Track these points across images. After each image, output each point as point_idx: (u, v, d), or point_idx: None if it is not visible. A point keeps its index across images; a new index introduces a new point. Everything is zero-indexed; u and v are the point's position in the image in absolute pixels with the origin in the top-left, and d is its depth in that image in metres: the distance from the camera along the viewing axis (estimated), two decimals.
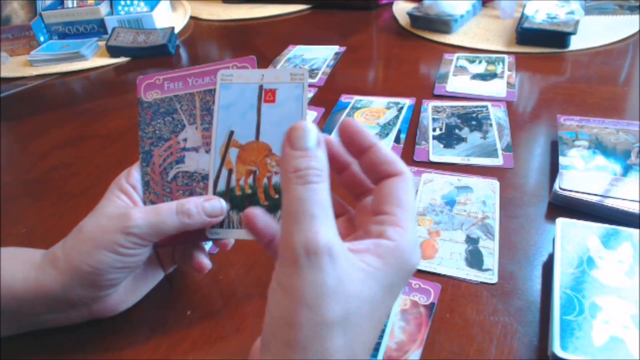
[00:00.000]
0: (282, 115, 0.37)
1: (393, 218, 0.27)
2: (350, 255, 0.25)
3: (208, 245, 0.45)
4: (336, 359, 0.24)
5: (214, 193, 0.37)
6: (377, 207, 0.28)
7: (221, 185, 0.37)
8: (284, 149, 0.26)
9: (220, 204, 0.36)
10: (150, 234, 0.35)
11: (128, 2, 1.07)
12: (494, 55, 0.84)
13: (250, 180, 0.37)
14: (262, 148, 0.37)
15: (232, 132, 0.38)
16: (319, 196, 0.25)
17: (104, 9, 1.06)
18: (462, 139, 0.62)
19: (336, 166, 0.32)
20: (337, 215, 0.27)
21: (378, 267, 0.25)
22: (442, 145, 0.61)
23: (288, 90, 0.37)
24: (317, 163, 0.25)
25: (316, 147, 0.26)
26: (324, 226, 0.24)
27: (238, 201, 0.37)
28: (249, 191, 0.37)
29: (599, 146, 0.54)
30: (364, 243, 0.26)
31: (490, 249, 0.45)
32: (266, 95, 0.37)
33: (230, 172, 0.37)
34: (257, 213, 0.29)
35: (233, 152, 0.37)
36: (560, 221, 0.44)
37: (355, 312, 0.24)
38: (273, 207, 0.36)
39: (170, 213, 0.35)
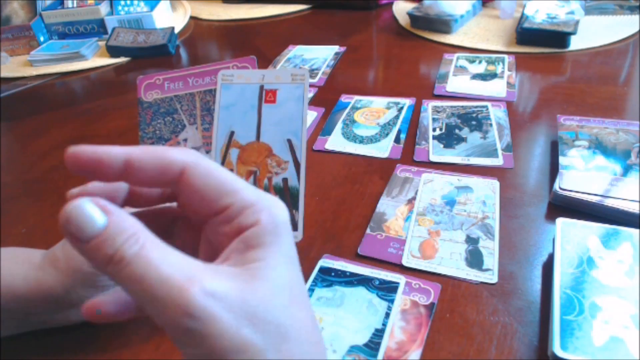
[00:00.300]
0: (282, 116, 0.37)
1: (233, 207, 0.22)
2: (231, 270, 0.21)
3: None
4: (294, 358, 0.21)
5: None
6: (205, 208, 0.23)
7: None
8: (77, 249, 0.20)
9: None
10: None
11: (128, 2, 1.07)
12: (494, 55, 0.84)
13: (250, 181, 0.37)
14: (262, 149, 0.37)
15: (232, 133, 0.38)
16: (154, 254, 0.20)
17: (104, 9, 1.06)
18: (462, 139, 0.62)
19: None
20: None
21: (264, 256, 0.22)
22: (442, 145, 0.61)
23: (289, 90, 0.37)
24: (121, 232, 0.20)
25: (106, 219, 0.20)
26: (183, 280, 0.19)
27: None
28: None
29: (599, 146, 0.54)
30: (232, 249, 0.22)
31: (490, 249, 0.45)
32: (267, 95, 0.37)
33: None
34: (104, 301, 0.24)
35: (233, 153, 0.37)
36: (560, 221, 0.44)
37: (280, 315, 0.21)
38: None
39: None
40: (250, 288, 0.21)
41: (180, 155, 0.22)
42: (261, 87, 0.37)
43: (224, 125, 0.38)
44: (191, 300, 0.19)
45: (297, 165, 0.36)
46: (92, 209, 0.20)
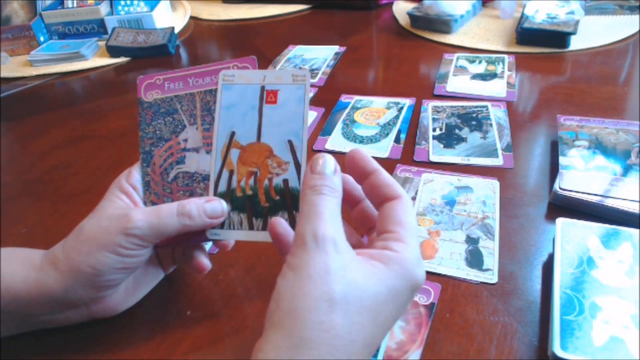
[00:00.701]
0: (283, 117, 0.36)
1: (395, 235, 0.29)
2: (355, 254, 0.28)
3: (208, 246, 0.45)
4: (333, 334, 0.24)
5: (215, 194, 0.37)
6: (381, 227, 0.30)
7: (222, 186, 0.37)
8: (305, 173, 0.31)
9: (221, 206, 0.36)
10: (151, 236, 0.35)
11: (128, 2, 1.07)
12: (494, 55, 0.84)
13: (251, 181, 0.37)
14: (263, 149, 0.37)
15: (233, 133, 0.38)
16: (329, 203, 0.28)
17: (104, 9, 1.06)
18: (462, 139, 0.62)
19: (350, 201, 0.36)
20: (352, 246, 0.30)
21: (382, 270, 0.27)
22: (442, 145, 0.61)
23: (290, 91, 0.37)
24: (331, 183, 0.30)
25: (332, 174, 0.30)
26: (330, 223, 0.27)
27: (239, 202, 0.37)
28: (249, 192, 0.37)
29: (599, 146, 0.54)
30: (369, 252, 0.29)
31: (490, 249, 0.45)
32: (268, 96, 0.37)
33: (231, 173, 0.37)
34: (281, 221, 0.33)
35: (234, 153, 0.37)
36: (560, 221, 0.44)
37: (357, 300, 0.26)
38: (273, 208, 0.36)
39: (170, 215, 0.35)
40: (354, 269, 0.27)
41: (402, 191, 0.31)
42: (262, 88, 0.37)
43: (224, 126, 0.38)
44: (324, 231, 0.27)
45: (297, 166, 0.36)
46: (330, 164, 0.31)
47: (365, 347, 0.26)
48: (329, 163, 0.31)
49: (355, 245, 0.33)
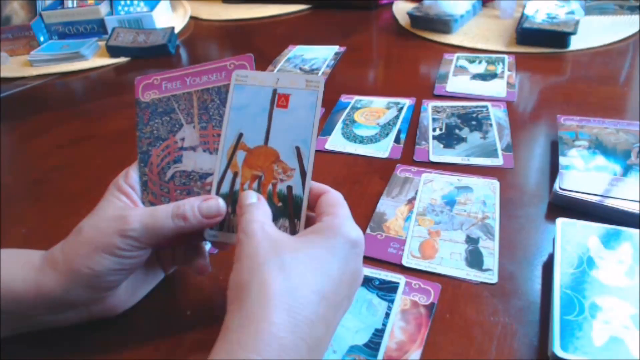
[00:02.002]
0: (293, 122, 0.36)
1: (324, 212, 0.34)
2: (285, 234, 0.34)
3: (208, 246, 0.45)
4: (275, 285, 0.28)
5: (217, 195, 0.37)
6: (319, 215, 0.35)
7: (225, 188, 0.37)
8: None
9: (217, 204, 0.36)
10: (147, 237, 0.35)
11: (128, 2, 1.07)
12: (494, 55, 0.84)
13: (254, 185, 0.37)
14: (269, 153, 0.36)
15: (241, 135, 0.37)
16: (254, 212, 0.34)
17: (104, 9, 1.06)
18: (462, 139, 0.62)
19: None
20: None
21: (312, 237, 0.32)
22: (442, 145, 0.61)
23: (302, 96, 0.36)
24: (255, 204, 0.35)
25: (257, 200, 0.35)
26: (256, 219, 0.33)
27: None
28: None
29: (599, 146, 0.54)
30: (302, 233, 0.34)
31: (490, 249, 0.45)
32: (279, 99, 0.36)
33: (235, 175, 0.37)
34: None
35: (240, 155, 0.37)
36: (560, 221, 0.44)
37: (291, 259, 0.30)
38: (275, 214, 0.36)
39: (166, 216, 0.35)
40: (283, 240, 0.32)
41: (330, 189, 0.36)
42: (274, 91, 0.37)
43: (233, 127, 0.37)
44: (251, 222, 0.33)
45: (303, 174, 0.35)
46: (251, 196, 0.35)
47: (315, 294, 0.29)
48: (250, 195, 0.35)
49: None
